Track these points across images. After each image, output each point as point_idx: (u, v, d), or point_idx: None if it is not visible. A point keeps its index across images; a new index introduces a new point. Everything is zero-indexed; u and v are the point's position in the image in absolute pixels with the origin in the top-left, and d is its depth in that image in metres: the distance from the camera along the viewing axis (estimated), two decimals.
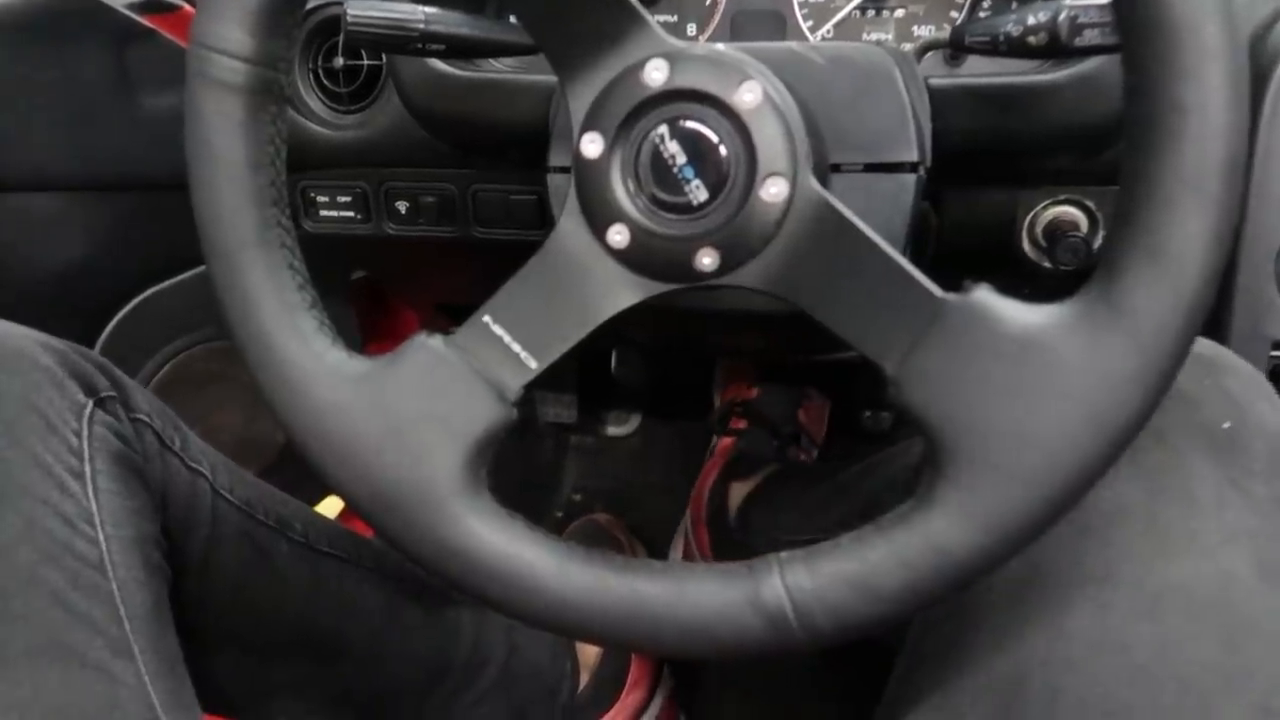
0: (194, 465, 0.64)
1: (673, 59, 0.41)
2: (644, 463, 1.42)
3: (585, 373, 1.40)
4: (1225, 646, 0.41)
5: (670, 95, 0.42)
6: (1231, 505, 0.46)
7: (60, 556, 0.51)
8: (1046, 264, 0.68)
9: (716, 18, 0.73)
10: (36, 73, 0.81)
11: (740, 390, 1.30)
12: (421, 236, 0.80)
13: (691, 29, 0.74)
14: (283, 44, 0.43)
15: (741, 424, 1.25)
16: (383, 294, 1.19)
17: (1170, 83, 0.34)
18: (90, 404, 0.57)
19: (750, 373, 1.31)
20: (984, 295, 0.39)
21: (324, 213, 0.81)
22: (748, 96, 0.41)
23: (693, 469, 1.29)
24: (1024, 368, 0.37)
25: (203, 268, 0.51)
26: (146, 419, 0.62)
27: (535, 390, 1.43)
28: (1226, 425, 0.48)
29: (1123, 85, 0.36)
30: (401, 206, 0.79)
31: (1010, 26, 0.53)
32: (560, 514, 1.38)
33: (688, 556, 1.23)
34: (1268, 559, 0.44)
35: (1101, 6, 0.49)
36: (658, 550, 1.30)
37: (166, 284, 0.97)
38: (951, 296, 0.39)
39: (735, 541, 1.11)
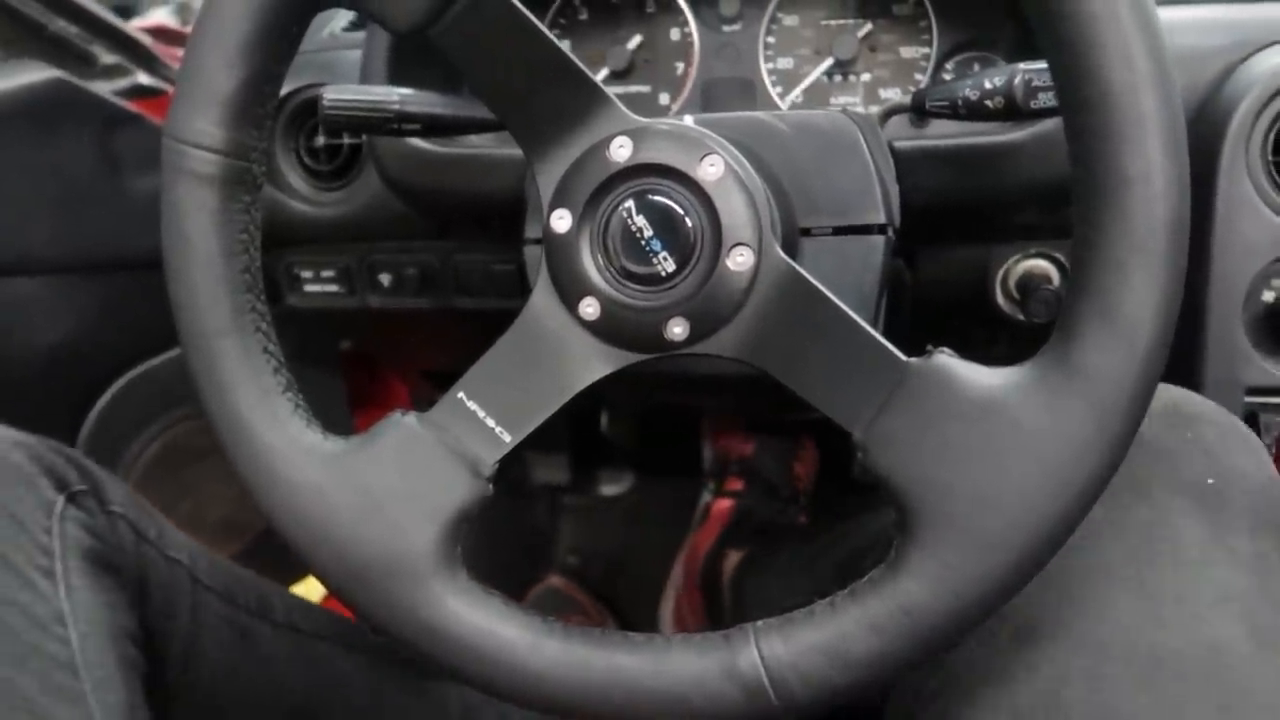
0: (172, 555, 0.64)
1: (636, 135, 0.43)
2: (640, 522, 1.42)
3: (576, 433, 1.40)
4: (1222, 716, 0.41)
5: (635, 170, 0.42)
6: (1219, 564, 0.46)
7: (28, 659, 0.51)
8: (1020, 317, 0.68)
9: (688, 87, 0.75)
10: (23, 160, 0.82)
11: (734, 445, 1.29)
12: (405, 308, 0.81)
13: (664, 98, 0.76)
14: (254, 135, 0.44)
15: (739, 484, 1.23)
16: (372, 362, 1.20)
17: (1112, 152, 0.35)
18: (61, 500, 0.57)
19: (740, 425, 1.30)
20: (945, 359, 0.39)
21: (308, 288, 0.82)
22: (710, 170, 0.42)
23: (689, 527, 1.28)
24: (986, 430, 0.38)
25: None
26: (121, 511, 0.61)
27: (526, 451, 1.44)
28: (1210, 481, 0.47)
29: (1068, 153, 0.37)
30: (384, 279, 0.80)
31: (968, 91, 0.55)
32: (557, 576, 1.37)
33: (679, 616, 1.22)
34: (1259, 622, 0.44)
35: None
36: (633, 611, 1.29)
37: (156, 361, 0.97)
38: (914, 361, 0.40)
39: (727, 608, 1.10)
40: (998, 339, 0.74)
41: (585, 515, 1.44)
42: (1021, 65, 0.53)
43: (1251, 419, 0.61)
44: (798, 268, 0.42)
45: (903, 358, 0.40)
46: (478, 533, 1.38)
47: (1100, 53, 0.35)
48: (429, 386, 1.13)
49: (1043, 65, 0.52)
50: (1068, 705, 0.42)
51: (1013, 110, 0.53)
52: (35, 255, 0.86)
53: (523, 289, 0.75)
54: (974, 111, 0.55)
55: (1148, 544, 0.46)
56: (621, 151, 0.43)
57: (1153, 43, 0.36)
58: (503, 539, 1.40)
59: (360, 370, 1.19)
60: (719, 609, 1.12)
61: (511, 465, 1.20)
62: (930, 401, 0.39)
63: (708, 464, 1.30)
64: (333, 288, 0.82)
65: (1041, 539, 0.37)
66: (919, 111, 0.58)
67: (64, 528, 0.56)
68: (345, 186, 0.77)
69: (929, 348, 0.40)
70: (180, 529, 0.70)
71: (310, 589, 0.96)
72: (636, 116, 0.43)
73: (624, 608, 1.33)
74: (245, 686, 0.67)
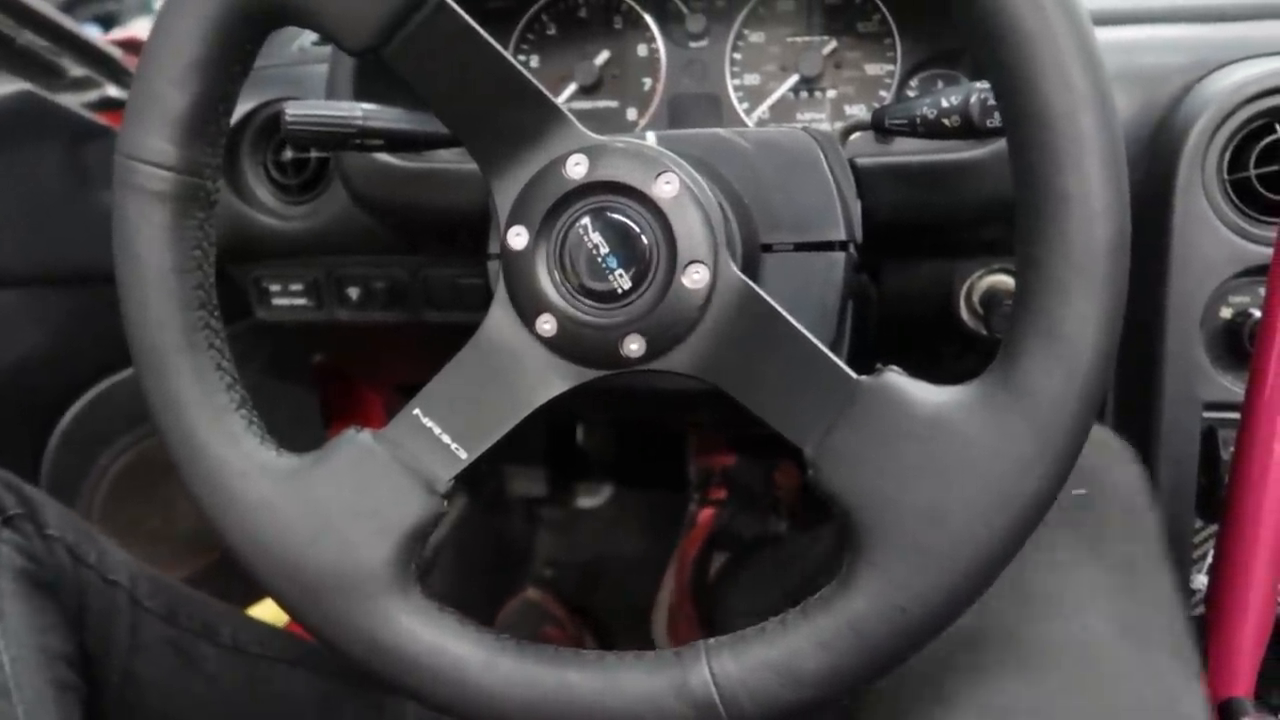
0: (111, 578, 0.64)
1: (592, 153, 0.43)
2: (617, 534, 1.41)
3: (553, 445, 1.40)
4: (1095, 703, 0.45)
5: (591, 188, 0.43)
6: (1086, 565, 0.51)
7: None
8: (984, 332, 0.69)
9: (655, 102, 0.75)
10: None
11: (716, 458, 1.31)
12: (374, 321, 0.81)
13: (632, 114, 0.76)
14: (207, 151, 0.44)
15: (721, 493, 1.25)
16: (346, 376, 1.20)
17: (1052, 171, 0.36)
18: None
19: (721, 442, 1.32)
20: (893, 377, 0.39)
21: (276, 301, 0.82)
22: (666, 187, 0.42)
23: (666, 539, 1.29)
24: (933, 448, 0.38)
25: None
26: (58, 535, 0.62)
27: (503, 464, 1.44)
28: (1080, 492, 0.53)
29: (1011, 173, 0.38)
30: (353, 292, 0.80)
31: (925, 109, 0.55)
32: (533, 589, 1.36)
33: (673, 626, 1.23)
34: (1124, 616, 0.49)
35: None
36: (610, 623, 1.29)
37: (125, 374, 0.97)
38: (864, 379, 0.40)
39: (715, 617, 1.11)
40: (964, 354, 0.74)
41: (562, 528, 1.43)
42: (978, 84, 0.54)
43: (1210, 434, 0.61)
44: (752, 285, 0.42)
45: (853, 375, 0.40)
46: (454, 546, 1.37)
47: (1038, 74, 0.36)
48: (402, 400, 1.13)
49: None
50: (950, 695, 0.46)
51: (969, 128, 0.54)
52: (3, 268, 0.86)
53: (489, 303, 0.75)
54: (932, 129, 0.55)
55: (1024, 550, 0.50)
56: (578, 169, 0.43)
57: (1090, 63, 0.36)
58: (479, 552, 1.40)
59: (335, 384, 1.19)
60: (709, 616, 1.13)
61: (488, 478, 1.20)
62: (878, 419, 0.39)
63: (693, 478, 1.31)
64: (301, 301, 0.82)
65: (987, 555, 0.37)
66: (878, 129, 0.59)
67: None
68: (313, 200, 0.77)
69: (878, 365, 0.40)
70: (149, 543, 0.70)
71: (274, 607, 0.96)
72: (593, 134, 0.44)
73: (601, 620, 1.33)
74: (188, 708, 0.67)
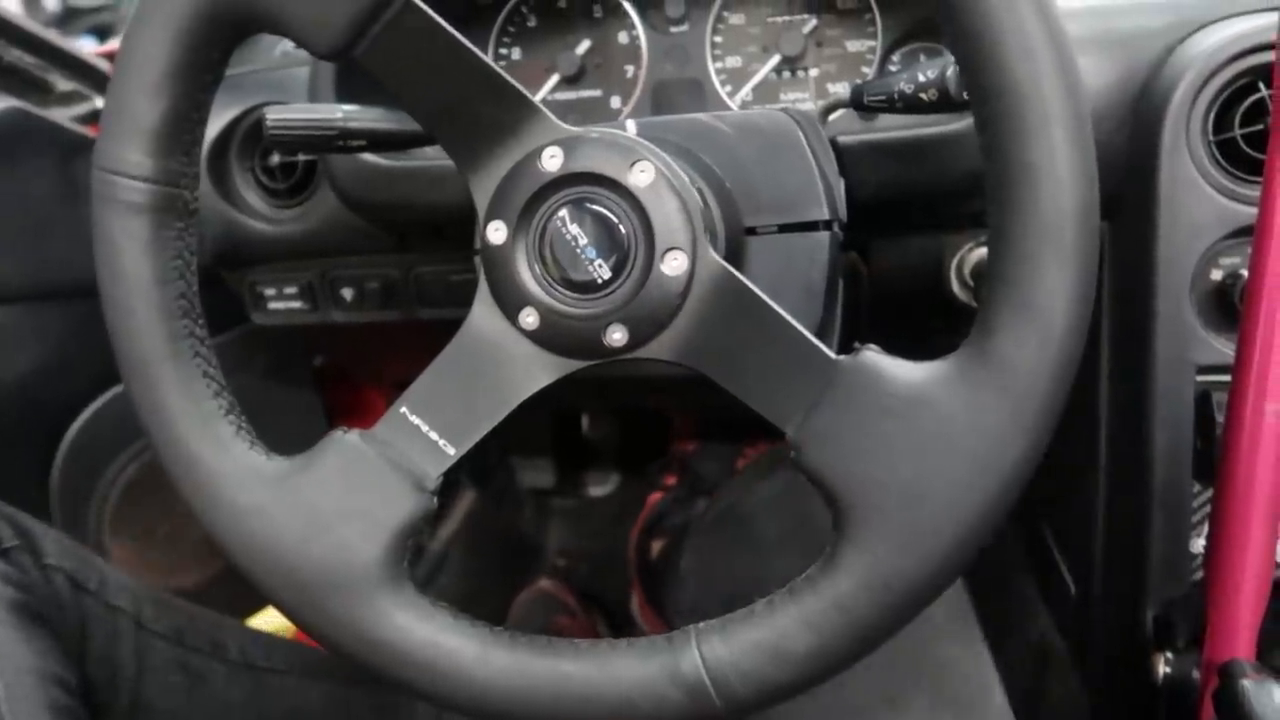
0: (114, 603, 0.65)
1: (567, 145, 0.43)
2: (625, 522, 1.42)
3: (560, 436, 1.40)
4: None
5: (567, 179, 0.43)
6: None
7: None
8: (975, 304, 0.69)
9: (638, 89, 0.75)
10: None
11: (683, 444, 1.34)
12: (370, 321, 0.82)
13: (616, 102, 0.76)
14: (183, 161, 0.44)
15: (672, 479, 1.28)
16: (350, 377, 1.20)
17: (1017, 143, 0.36)
18: None
19: (693, 427, 1.34)
20: (871, 356, 0.39)
21: (272, 305, 0.83)
22: (641, 176, 0.42)
23: None
24: (911, 424, 0.38)
25: None
26: (57, 564, 0.63)
27: (512, 456, 1.44)
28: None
29: (979, 146, 0.38)
30: (347, 293, 0.81)
31: (903, 85, 0.55)
32: (546, 579, 1.37)
33: (642, 611, 1.26)
34: None
35: None
36: (621, 611, 1.30)
37: None
38: (843, 359, 0.40)
39: (660, 592, 1.16)
40: (957, 328, 0.74)
41: (572, 517, 1.44)
42: (954, 57, 0.53)
43: (1204, 398, 0.61)
44: (731, 269, 0.42)
45: (832, 356, 0.40)
46: (466, 540, 1.38)
47: (1000, 44, 0.36)
48: None
49: None
50: None
51: (947, 101, 0.53)
52: (2, 284, 0.87)
53: None
54: (910, 104, 0.55)
55: None
56: (553, 161, 0.43)
57: (1053, 32, 0.36)
58: (491, 545, 1.40)
59: (338, 385, 1.19)
60: (657, 596, 1.18)
61: (497, 471, 1.22)
62: (858, 399, 0.39)
63: (656, 468, 1.34)
64: (296, 304, 0.82)
65: (968, 530, 0.37)
66: (858, 106, 0.58)
67: None
68: (303, 203, 0.78)
69: (856, 345, 0.40)
70: (163, 549, 0.71)
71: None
72: (567, 125, 0.44)
73: (612, 608, 1.34)
74: None
